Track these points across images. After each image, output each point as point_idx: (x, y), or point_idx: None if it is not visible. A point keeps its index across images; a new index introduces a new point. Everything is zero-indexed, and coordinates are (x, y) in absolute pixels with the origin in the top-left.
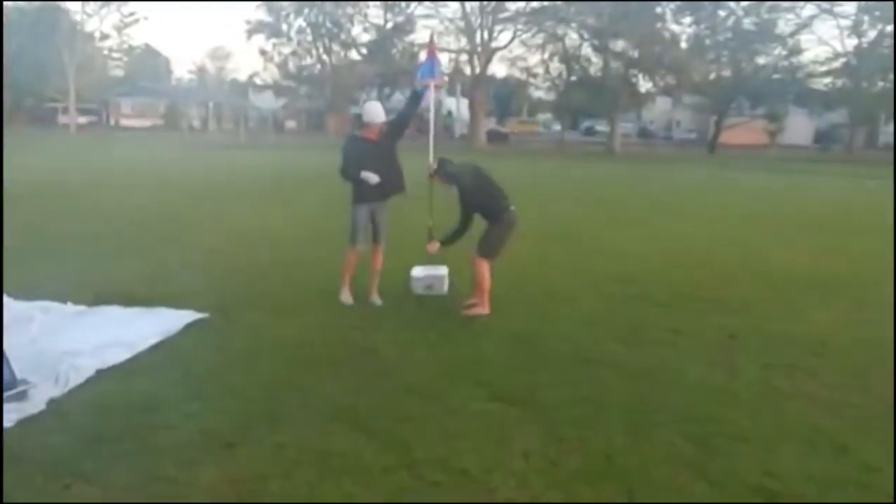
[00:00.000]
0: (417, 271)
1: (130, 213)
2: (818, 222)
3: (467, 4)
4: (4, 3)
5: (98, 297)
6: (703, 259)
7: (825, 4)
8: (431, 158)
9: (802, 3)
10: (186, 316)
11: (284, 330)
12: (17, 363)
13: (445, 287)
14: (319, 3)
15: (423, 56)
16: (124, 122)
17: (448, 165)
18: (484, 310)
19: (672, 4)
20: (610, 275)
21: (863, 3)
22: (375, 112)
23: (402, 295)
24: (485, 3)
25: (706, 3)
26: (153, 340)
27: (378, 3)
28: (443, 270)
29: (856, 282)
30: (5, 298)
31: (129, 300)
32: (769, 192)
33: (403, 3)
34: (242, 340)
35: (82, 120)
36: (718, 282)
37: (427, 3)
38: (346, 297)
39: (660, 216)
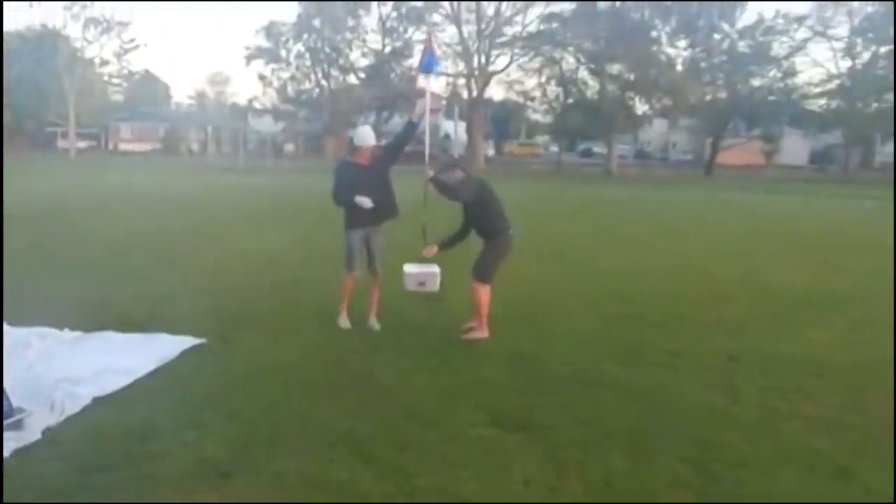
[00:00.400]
0: (409, 268)
1: (129, 235)
2: (815, 242)
3: (465, 29)
4: (5, 29)
5: (95, 322)
6: (701, 279)
7: (819, 27)
8: (427, 167)
9: (796, 26)
10: (184, 342)
11: (282, 354)
12: (14, 390)
13: (437, 284)
14: (318, 29)
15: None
16: (123, 146)
17: (446, 176)
18: (482, 333)
19: (667, 28)
20: (608, 294)
21: (856, 25)
22: (365, 136)
23: (400, 319)
24: (482, 27)
25: (701, 26)
26: (150, 367)
27: (376, 28)
28: (435, 268)
29: (853, 301)
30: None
31: (126, 324)
32: (766, 212)
33: (401, 29)
34: (240, 365)
35: (81, 144)
36: (716, 302)
37: (425, 27)
38: (345, 321)
39: (657, 236)
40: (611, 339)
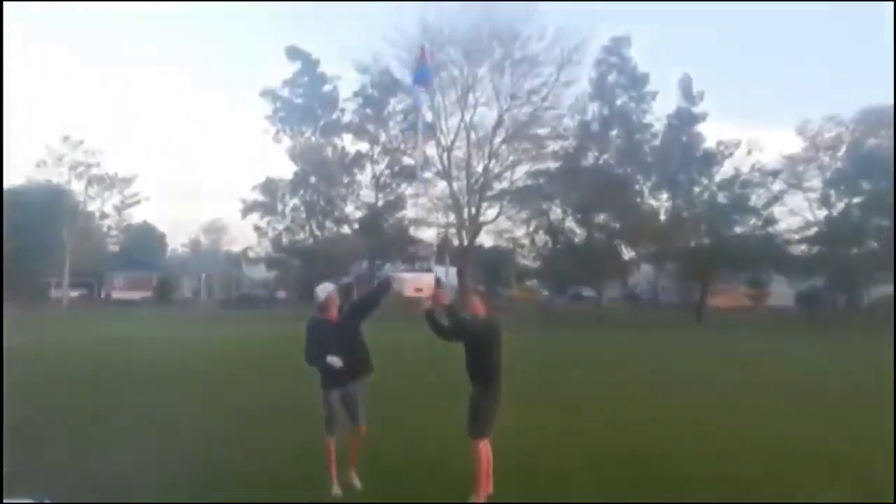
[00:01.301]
0: (405, 274)
1: (110, 393)
2: (810, 389)
3: (455, 184)
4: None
5: (75, 492)
6: (702, 433)
7: (792, 180)
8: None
9: (772, 178)
10: None
11: None
12: None
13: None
14: (314, 185)
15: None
16: (116, 294)
17: (458, 314)
18: (478, 499)
19: (648, 183)
20: (608, 453)
21: (828, 178)
22: (326, 288)
23: (391, 476)
24: (472, 183)
25: (681, 181)
26: None
27: (369, 185)
28: (431, 274)
29: (858, 457)
30: None
31: (107, 494)
32: (759, 359)
33: (394, 185)
34: None
35: (73, 293)
36: (720, 457)
37: (417, 182)
38: (336, 489)
39: (654, 387)
40: None
